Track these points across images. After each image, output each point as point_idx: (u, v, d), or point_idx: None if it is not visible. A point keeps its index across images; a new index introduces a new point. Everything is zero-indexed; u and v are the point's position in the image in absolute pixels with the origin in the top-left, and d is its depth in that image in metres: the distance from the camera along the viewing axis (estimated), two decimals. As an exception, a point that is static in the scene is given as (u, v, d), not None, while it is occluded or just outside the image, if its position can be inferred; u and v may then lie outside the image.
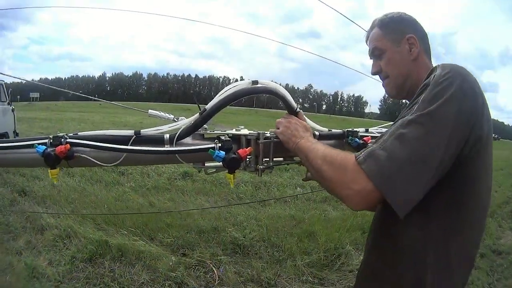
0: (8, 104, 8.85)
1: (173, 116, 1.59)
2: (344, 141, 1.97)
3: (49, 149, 1.36)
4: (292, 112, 1.69)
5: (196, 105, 1.52)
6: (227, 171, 1.40)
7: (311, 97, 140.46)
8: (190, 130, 1.48)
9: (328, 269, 3.71)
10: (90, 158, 1.41)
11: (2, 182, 6.10)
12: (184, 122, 1.51)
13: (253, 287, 3.32)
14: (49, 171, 1.37)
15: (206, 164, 1.59)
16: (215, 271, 3.54)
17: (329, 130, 1.96)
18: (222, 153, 1.35)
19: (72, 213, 4.55)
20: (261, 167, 1.60)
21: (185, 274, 3.40)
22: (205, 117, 1.46)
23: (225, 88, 1.51)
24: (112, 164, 1.46)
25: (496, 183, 9.40)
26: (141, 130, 1.46)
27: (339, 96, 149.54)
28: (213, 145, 1.39)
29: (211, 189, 6.23)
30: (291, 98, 1.66)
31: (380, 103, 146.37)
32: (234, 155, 1.36)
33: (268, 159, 1.65)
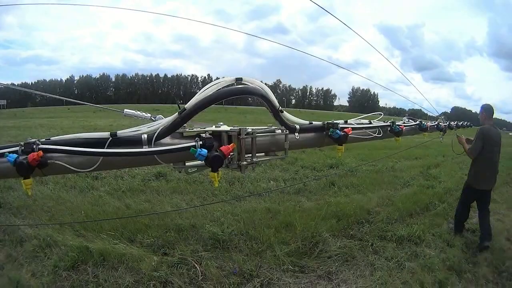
0: None
1: (150, 115, 1.58)
2: (325, 133, 2.11)
3: (21, 157, 1.26)
4: (275, 111, 1.76)
5: (173, 105, 1.54)
6: (210, 169, 1.41)
7: (279, 92, 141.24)
8: (169, 130, 1.45)
9: (307, 257, 3.95)
10: (65, 165, 1.34)
11: None
12: (162, 122, 1.48)
13: (236, 280, 3.46)
14: (22, 181, 1.29)
15: (186, 164, 1.59)
16: (198, 267, 3.64)
17: (310, 123, 2.08)
18: (205, 151, 1.35)
19: (52, 223, 4.45)
20: (244, 163, 1.61)
21: (169, 272, 3.49)
22: (184, 117, 1.45)
23: (206, 87, 1.49)
24: (89, 170, 1.40)
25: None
26: (118, 132, 1.42)
27: (308, 90, 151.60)
28: (194, 144, 1.38)
29: (186, 188, 6.26)
30: (274, 97, 1.70)
31: (349, 96, 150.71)
32: (217, 153, 1.36)
33: (250, 155, 1.68)
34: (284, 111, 1.81)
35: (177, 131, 1.49)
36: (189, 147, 1.37)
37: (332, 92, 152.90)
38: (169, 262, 3.68)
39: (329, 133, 2.08)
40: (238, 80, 1.56)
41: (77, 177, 6.40)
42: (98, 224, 4.21)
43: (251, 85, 1.59)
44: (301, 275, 3.64)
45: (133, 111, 1.58)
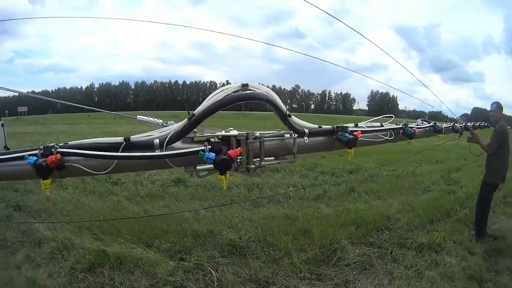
0: None
1: (161, 121, 1.63)
2: (334, 137, 2.07)
3: (40, 160, 1.36)
4: (283, 116, 1.75)
5: (186, 111, 1.54)
6: (218, 173, 1.44)
7: (298, 97, 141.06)
8: (180, 135, 1.51)
9: (325, 265, 3.82)
10: (82, 167, 1.43)
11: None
12: (173, 127, 1.54)
13: (252, 287, 3.39)
14: (41, 182, 1.39)
15: (197, 167, 1.65)
16: (213, 273, 3.60)
17: (319, 127, 2.04)
18: (213, 154, 1.39)
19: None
20: (252, 166, 1.65)
21: (184, 278, 3.46)
22: (194, 123, 1.49)
23: (213, 93, 1.53)
24: (103, 172, 1.47)
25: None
26: (131, 137, 1.48)
27: (327, 95, 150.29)
28: (203, 148, 1.43)
29: (205, 194, 6.27)
30: (281, 102, 1.70)
31: (368, 99, 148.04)
32: (224, 156, 1.40)
33: (259, 159, 1.71)
34: (292, 116, 1.80)
35: (188, 136, 1.55)
36: (198, 151, 1.42)
37: (351, 96, 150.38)
38: (185, 267, 3.66)
39: (339, 137, 2.03)
40: (244, 86, 1.59)
41: (97, 182, 6.55)
42: (116, 228, 4.26)
43: (258, 90, 1.61)
44: (318, 283, 3.53)
45: (146, 117, 1.65)
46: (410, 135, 2.76)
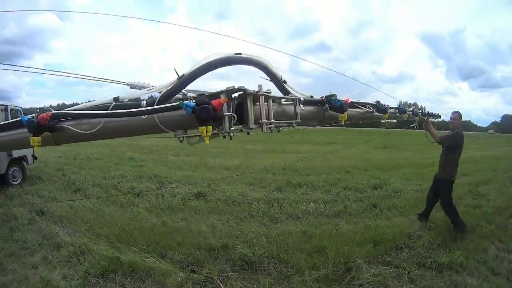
0: None
1: (151, 85, 1.66)
2: (325, 107, 2.27)
3: (32, 117, 1.53)
4: (277, 81, 1.75)
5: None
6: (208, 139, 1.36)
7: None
8: (170, 94, 1.51)
9: (337, 284, 3.65)
10: (72, 128, 1.53)
11: (21, 202, 6.49)
12: (162, 85, 1.55)
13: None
14: (30, 139, 1.52)
15: (188, 132, 1.57)
16: (222, 287, 3.57)
17: (311, 96, 2.21)
18: (192, 103, 1.32)
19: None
20: (232, 128, 1.50)
21: (192, 289, 3.45)
22: (183, 82, 1.49)
23: (205, 56, 1.51)
24: (91, 131, 1.54)
25: None
26: (120, 96, 1.56)
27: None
28: (186, 101, 1.37)
29: (224, 208, 6.28)
30: (275, 68, 1.70)
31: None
32: (205, 105, 1.32)
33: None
34: (288, 82, 1.86)
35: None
36: (178, 104, 1.37)
37: None
38: (195, 280, 3.67)
39: (331, 101, 2.22)
40: (238, 54, 1.55)
41: (119, 193, 6.79)
42: (132, 237, 4.38)
43: (248, 55, 1.58)
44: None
45: (137, 82, 1.70)
46: (384, 110, 3.37)
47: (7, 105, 7.95)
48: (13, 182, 7.98)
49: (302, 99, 2.00)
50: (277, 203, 6.73)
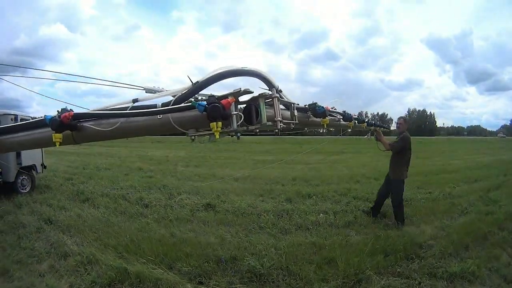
0: None
1: (168, 90, 1.80)
2: (308, 113, 2.74)
3: (55, 116, 1.67)
4: (274, 90, 1.91)
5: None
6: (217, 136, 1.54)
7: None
8: (184, 98, 1.67)
9: (346, 296, 3.56)
10: (92, 127, 1.67)
11: (30, 211, 6.54)
12: (177, 89, 1.71)
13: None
14: (53, 135, 1.66)
15: (199, 131, 1.74)
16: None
17: (297, 104, 2.48)
18: (204, 102, 1.50)
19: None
20: (269, 123, 1.79)
21: (200, 301, 3.40)
22: (197, 88, 1.66)
23: (216, 68, 1.73)
24: (110, 129, 1.68)
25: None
26: (138, 98, 1.70)
27: (364, 116, 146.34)
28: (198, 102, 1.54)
29: (233, 220, 6.23)
30: (273, 79, 1.90)
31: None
32: (215, 104, 1.50)
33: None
34: (283, 91, 2.10)
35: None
36: (191, 104, 1.54)
37: (388, 116, 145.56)
38: (202, 291, 3.61)
39: (315, 109, 2.72)
40: (243, 67, 1.78)
41: (128, 203, 6.82)
42: (140, 248, 4.36)
43: (252, 68, 1.82)
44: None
45: (153, 87, 1.87)
46: (349, 119, 4.28)
47: (17, 115, 8.09)
48: (22, 191, 8.07)
49: (294, 106, 2.30)
50: (287, 214, 6.64)
